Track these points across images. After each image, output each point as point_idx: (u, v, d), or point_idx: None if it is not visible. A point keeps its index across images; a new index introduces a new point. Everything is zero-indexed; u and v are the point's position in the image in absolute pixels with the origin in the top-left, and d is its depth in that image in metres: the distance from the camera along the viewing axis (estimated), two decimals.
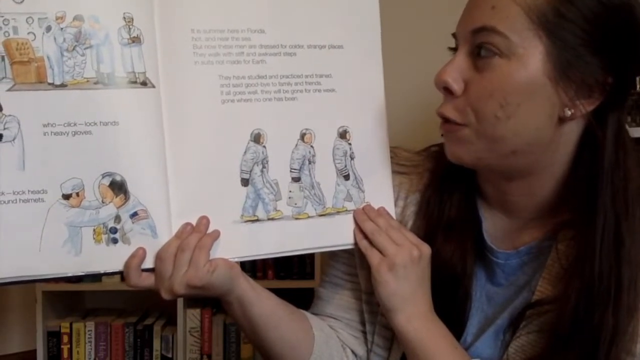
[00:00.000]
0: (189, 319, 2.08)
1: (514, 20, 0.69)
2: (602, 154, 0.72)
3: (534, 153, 0.73)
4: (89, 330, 2.12)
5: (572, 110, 0.70)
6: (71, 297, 2.19)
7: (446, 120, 0.75)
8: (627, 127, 0.76)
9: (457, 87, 0.72)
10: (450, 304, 0.80)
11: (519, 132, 0.71)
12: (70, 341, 2.11)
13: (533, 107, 0.70)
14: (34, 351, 2.10)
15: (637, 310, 0.71)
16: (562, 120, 0.71)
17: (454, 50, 0.76)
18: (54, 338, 2.11)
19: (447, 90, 0.73)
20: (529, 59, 0.69)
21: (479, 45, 0.70)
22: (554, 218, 0.78)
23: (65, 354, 2.10)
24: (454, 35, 0.75)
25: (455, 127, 0.74)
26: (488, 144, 0.72)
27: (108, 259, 0.73)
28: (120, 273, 0.73)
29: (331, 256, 0.91)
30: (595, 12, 0.68)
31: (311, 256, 2.02)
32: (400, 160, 0.88)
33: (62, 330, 2.10)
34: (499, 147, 0.72)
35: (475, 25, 0.71)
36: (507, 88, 0.69)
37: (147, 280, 0.74)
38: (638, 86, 1.30)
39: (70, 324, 2.11)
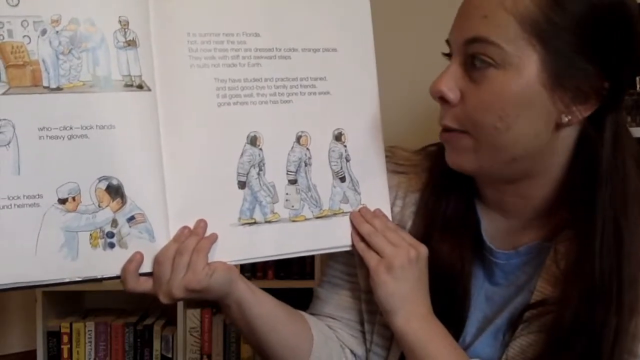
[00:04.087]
0: (189, 319, 2.08)
1: (506, 29, 0.68)
2: (600, 155, 0.72)
3: (532, 158, 0.73)
4: (89, 330, 2.11)
5: (569, 117, 0.70)
6: (71, 297, 2.19)
7: (446, 130, 0.74)
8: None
9: (452, 96, 0.72)
10: (448, 304, 0.80)
11: (518, 141, 0.70)
12: (70, 341, 2.10)
13: (531, 116, 0.69)
14: (34, 351, 2.09)
15: (638, 310, 0.70)
16: (559, 126, 0.71)
17: (448, 55, 0.75)
18: (54, 338, 2.10)
19: (443, 100, 0.73)
20: (524, 68, 0.68)
21: (472, 55, 0.70)
22: (553, 219, 0.78)
23: (65, 354, 2.09)
24: (447, 42, 0.75)
25: (455, 135, 0.73)
26: (488, 153, 0.72)
27: (105, 264, 0.72)
28: (118, 278, 0.73)
29: (330, 256, 0.91)
30: (587, 16, 0.67)
31: (311, 256, 2.01)
32: (398, 160, 0.88)
33: (62, 330, 2.09)
34: (500, 156, 0.72)
35: (467, 36, 0.70)
36: (505, 100, 0.69)
37: (145, 285, 0.73)
38: (638, 86, 1.30)
39: (70, 324, 2.10)
